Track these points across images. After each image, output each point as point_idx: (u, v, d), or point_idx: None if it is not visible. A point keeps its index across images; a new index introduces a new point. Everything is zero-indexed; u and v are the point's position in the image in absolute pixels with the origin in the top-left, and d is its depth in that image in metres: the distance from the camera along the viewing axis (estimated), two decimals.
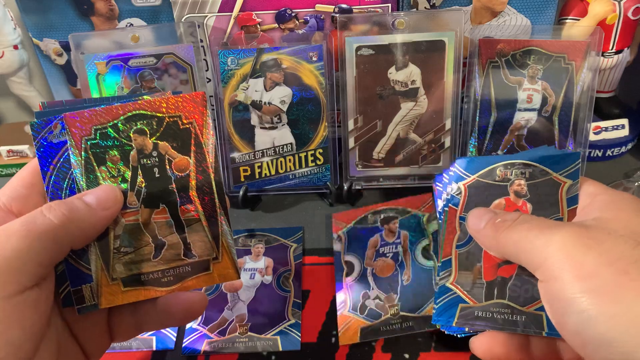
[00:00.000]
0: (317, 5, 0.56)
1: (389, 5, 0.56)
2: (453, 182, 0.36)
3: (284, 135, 0.57)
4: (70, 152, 0.32)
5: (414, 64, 0.55)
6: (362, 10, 0.56)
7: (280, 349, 0.46)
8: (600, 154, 0.63)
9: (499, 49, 0.54)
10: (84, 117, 0.32)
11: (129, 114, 0.32)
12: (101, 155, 0.32)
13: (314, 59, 0.55)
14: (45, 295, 0.28)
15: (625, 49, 0.61)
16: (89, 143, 0.32)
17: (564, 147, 0.55)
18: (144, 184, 0.32)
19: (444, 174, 0.37)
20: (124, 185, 0.32)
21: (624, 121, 0.63)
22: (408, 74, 0.55)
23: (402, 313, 0.46)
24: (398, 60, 0.55)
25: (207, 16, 0.57)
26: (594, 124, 0.62)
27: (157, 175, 0.32)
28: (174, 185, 0.33)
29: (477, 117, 0.56)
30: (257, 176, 0.59)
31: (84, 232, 0.29)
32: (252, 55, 0.55)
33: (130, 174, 0.32)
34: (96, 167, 0.32)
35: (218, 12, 0.57)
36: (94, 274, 0.32)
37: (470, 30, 0.57)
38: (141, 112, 0.32)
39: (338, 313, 0.48)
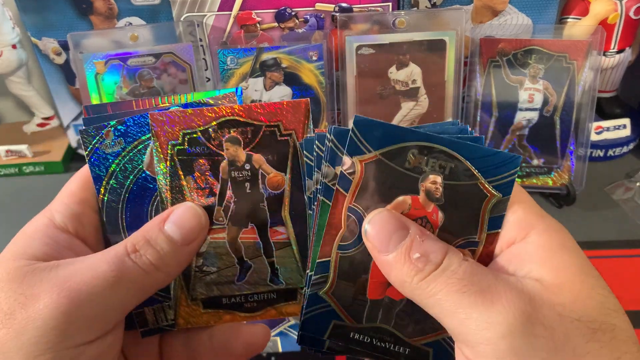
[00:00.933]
0: (317, 4, 0.56)
1: (390, 4, 0.56)
2: (345, 154, 0.26)
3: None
4: (155, 158, 0.28)
5: (414, 63, 0.54)
6: (363, 9, 0.56)
7: (280, 350, 0.45)
8: (601, 154, 0.63)
9: (500, 48, 0.54)
10: (172, 118, 0.28)
11: (222, 119, 0.28)
12: (188, 163, 0.28)
13: (314, 58, 0.55)
14: (118, 339, 0.27)
15: (627, 48, 0.61)
16: (175, 149, 0.28)
17: (566, 147, 0.55)
18: (233, 199, 0.29)
19: (329, 135, 0.26)
20: (211, 199, 0.29)
21: (626, 121, 0.63)
22: (409, 74, 0.55)
23: None
24: (399, 60, 0.54)
25: (206, 15, 0.57)
26: (595, 124, 0.62)
27: (248, 191, 0.29)
28: (265, 204, 0.29)
29: (478, 117, 0.56)
30: None
31: (171, 276, 0.27)
32: (251, 55, 0.55)
33: (219, 187, 0.29)
34: (182, 177, 0.28)
35: (217, 11, 0.56)
36: (172, 291, 0.29)
37: (471, 30, 0.56)
38: (236, 118, 0.28)
39: None
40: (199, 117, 0.28)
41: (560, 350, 0.21)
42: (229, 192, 0.29)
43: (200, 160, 0.28)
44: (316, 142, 0.27)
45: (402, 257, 0.24)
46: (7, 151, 0.66)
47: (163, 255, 0.26)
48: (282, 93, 0.56)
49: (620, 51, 0.60)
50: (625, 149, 0.64)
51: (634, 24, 0.59)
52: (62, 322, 0.23)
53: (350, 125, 0.26)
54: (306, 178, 0.28)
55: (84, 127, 0.29)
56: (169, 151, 0.28)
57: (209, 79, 0.60)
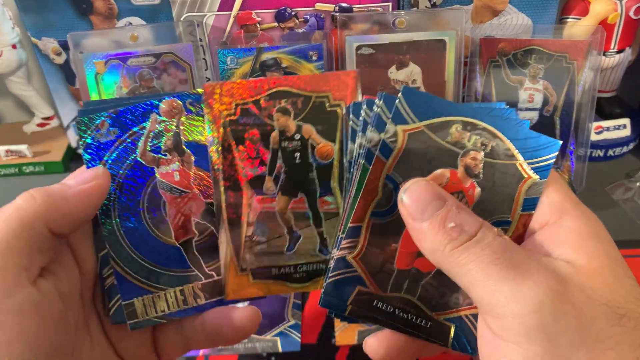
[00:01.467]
0: (317, 4, 0.56)
1: (390, 4, 0.56)
2: (390, 122, 0.26)
3: None
4: (207, 127, 0.29)
5: (414, 63, 0.54)
6: (363, 9, 0.56)
7: (280, 350, 0.45)
8: (601, 154, 0.63)
9: (500, 48, 0.54)
10: (224, 89, 0.29)
11: (273, 90, 0.29)
12: (240, 133, 0.29)
13: (314, 58, 0.55)
14: (48, 298, 0.25)
15: (627, 48, 0.61)
16: (228, 119, 0.29)
17: (566, 147, 0.55)
18: (283, 169, 0.29)
19: (378, 102, 0.26)
20: (261, 169, 0.29)
21: (626, 121, 0.63)
22: (409, 74, 0.55)
23: None
24: (399, 60, 0.54)
25: (206, 15, 0.57)
26: (595, 124, 0.62)
27: (297, 161, 0.29)
28: (314, 174, 0.30)
29: None
30: None
31: (59, 209, 0.26)
32: (251, 55, 0.55)
33: (269, 156, 0.29)
34: (234, 146, 0.29)
35: (217, 11, 0.56)
36: (222, 261, 0.29)
37: (471, 30, 0.56)
38: (286, 89, 0.29)
39: None
40: (250, 88, 0.29)
41: (586, 331, 0.22)
42: (279, 162, 0.29)
43: (252, 131, 0.29)
44: (364, 107, 0.27)
45: (436, 225, 0.24)
46: (7, 151, 0.66)
47: (46, 189, 0.26)
48: None
49: (620, 51, 0.60)
50: (625, 149, 0.64)
51: (634, 24, 0.59)
52: None
53: (399, 95, 0.26)
54: (349, 142, 0.28)
55: (79, 118, 0.30)
56: (221, 121, 0.29)
57: (209, 79, 0.60)
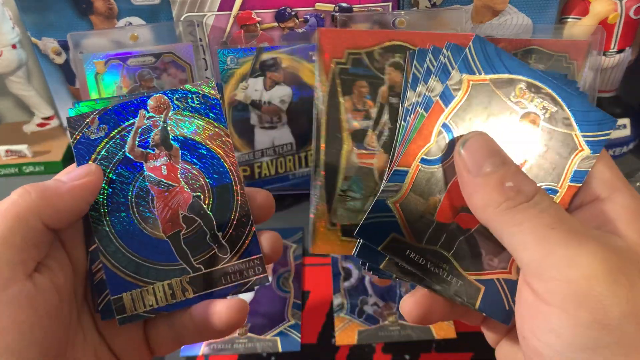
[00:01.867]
0: (317, 4, 0.56)
1: (390, 4, 0.56)
2: (456, 69, 0.26)
3: (283, 135, 0.57)
4: (317, 73, 0.29)
5: None
6: (363, 9, 0.56)
7: (280, 350, 0.45)
8: None
9: (500, 48, 0.54)
10: (339, 35, 0.28)
11: (389, 43, 0.28)
12: (349, 83, 0.28)
13: (314, 58, 0.55)
14: (44, 292, 0.25)
15: (627, 48, 0.60)
16: (338, 67, 0.28)
17: None
18: (387, 126, 0.28)
19: (445, 51, 0.26)
20: (365, 122, 0.28)
21: (626, 121, 0.63)
22: None
23: (400, 322, 0.46)
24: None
25: (206, 15, 0.57)
26: None
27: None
28: None
29: None
30: (256, 176, 0.58)
31: (52, 205, 0.26)
32: (251, 55, 0.55)
33: (376, 110, 0.28)
34: (340, 95, 0.28)
35: (217, 10, 0.56)
36: (312, 212, 0.28)
37: (472, 30, 0.56)
38: (402, 43, 0.29)
39: (335, 315, 0.48)
40: (366, 38, 0.28)
41: (637, 302, 0.21)
42: (384, 118, 0.28)
43: (361, 82, 0.28)
44: (430, 55, 0.27)
45: (493, 181, 0.24)
46: (7, 151, 0.66)
47: (40, 185, 0.27)
48: (282, 93, 0.56)
49: (620, 51, 0.60)
50: (625, 149, 0.64)
51: (634, 24, 0.59)
52: None
53: (470, 44, 0.26)
54: (408, 89, 0.27)
55: (70, 116, 0.30)
56: (331, 67, 0.28)
57: (209, 79, 0.60)
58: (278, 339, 0.46)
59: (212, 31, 0.57)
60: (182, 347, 0.45)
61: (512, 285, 0.27)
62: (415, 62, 0.27)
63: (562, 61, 0.54)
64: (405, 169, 0.26)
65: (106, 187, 0.30)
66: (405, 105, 0.27)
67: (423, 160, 0.26)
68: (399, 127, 0.27)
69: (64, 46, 0.59)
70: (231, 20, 0.57)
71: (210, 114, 0.31)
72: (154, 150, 0.31)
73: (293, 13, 0.56)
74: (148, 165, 0.31)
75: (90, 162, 0.30)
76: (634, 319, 0.21)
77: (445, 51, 0.26)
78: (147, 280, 0.30)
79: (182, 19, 0.57)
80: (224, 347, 0.46)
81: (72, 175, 0.28)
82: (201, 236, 0.31)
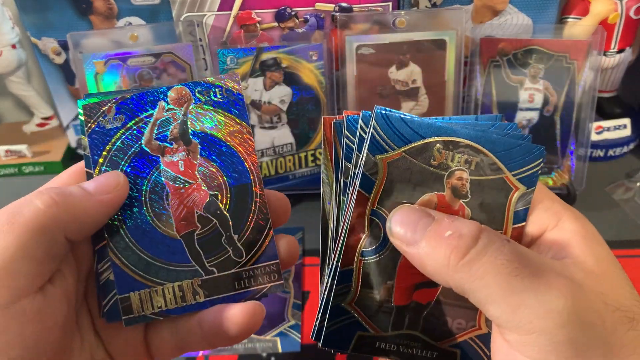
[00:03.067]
0: (317, 4, 0.56)
1: (390, 4, 0.56)
2: (367, 152, 0.24)
3: (283, 135, 0.57)
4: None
5: (414, 63, 0.54)
6: (363, 9, 0.56)
7: (280, 351, 0.45)
8: (602, 154, 0.63)
9: (500, 48, 0.54)
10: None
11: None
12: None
13: (314, 58, 0.55)
14: (54, 303, 0.24)
15: (627, 48, 0.60)
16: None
17: (566, 147, 0.55)
18: None
19: (362, 122, 0.25)
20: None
21: (626, 121, 0.63)
22: (409, 74, 0.55)
23: None
24: (399, 60, 0.54)
25: (206, 15, 0.56)
26: (595, 124, 0.62)
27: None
28: None
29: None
30: None
31: (78, 219, 0.25)
32: (251, 55, 0.55)
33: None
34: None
35: (217, 10, 0.56)
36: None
37: (472, 30, 0.56)
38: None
39: None
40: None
41: (611, 340, 0.21)
42: None
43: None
44: (361, 122, 0.26)
45: (433, 240, 0.23)
46: (6, 151, 0.66)
47: (68, 195, 0.25)
48: (282, 93, 0.56)
49: (620, 51, 0.60)
50: (625, 149, 0.64)
51: (634, 24, 0.59)
52: None
53: (371, 122, 0.25)
54: (343, 161, 0.26)
55: (85, 103, 0.29)
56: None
57: None
58: (278, 339, 0.46)
59: (212, 31, 0.57)
60: None
61: (486, 339, 0.27)
62: (346, 131, 0.26)
63: (562, 61, 0.54)
64: (350, 268, 0.25)
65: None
66: (343, 179, 0.26)
67: (364, 254, 0.25)
68: (339, 202, 0.26)
69: (64, 46, 0.59)
70: (231, 20, 0.57)
71: (233, 110, 0.29)
72: (171, 144, 0.29)
73: (293, 13, 0.56)
74: (165, 159, 0.29)
75: (104, 152, 0.28)
76: (612, 357, 0.21)
77: (372, 121, 0.25)
78: (157, 280, 0.28)
79: (182, 19, 0.57)
80: (224, 348, 0.46)
81: (100, 187, 0.27)
82: (216, 237, 0.29)
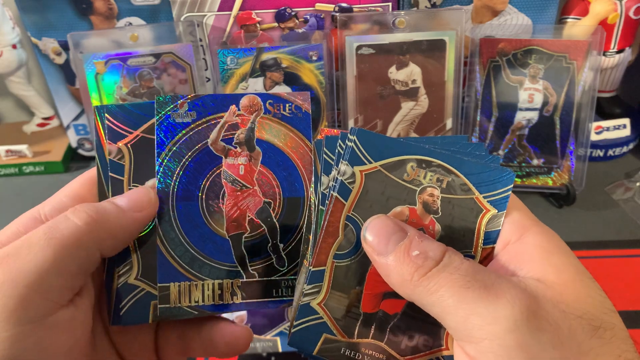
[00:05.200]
0: (317, 4, 0.56)
1: (390, 4, 0.56)
2: (346, 163, 0.26)
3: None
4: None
5: (414, 63, 0.54)
6: (363, 9, 0.56)
7: (280, 350, 0.45)
8: (601, 154, 0.63)
9: (500, 48, 0.54)
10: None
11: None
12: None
13: (314, 58, 0.55)
14: (82, 314, 0.25)
15: (627, 48, 0.61)
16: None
17: (566, 147, 0.55)
18: None
19: (350, 135, 0.27)
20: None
21: (626, 121, 0.63)
22: (409, 74, 0.55)
23: None
24: (399, 60, 0.54)
25: (206, 15, 0.57)
26: (595, 124, 0.62)
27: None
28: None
29: (478, 117, 0.56)
30: None
31: (114, 236, 0.26)
32: (251, 55, 0.55)
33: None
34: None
35: (217, 11, 0.56)
36: None
37: (471, 30, 0.56)
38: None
39: None
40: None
41: (566, 345, 0.21)
42: None
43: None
44: (339, 141, 0.27)
45: (401, 255, 0.24)
46: (7, 151, 0.66)
47: (104, 212, 0.26)
48: None
49: (620, 51, 0.60)
50: (625, 149, 0.64)
51: (634, 24, 0.59)
52: (19, 295, 0.22)
53: (353, 137, 0.26)
54: (321, 174, 0.28)
55: (158, 97, 0.30)
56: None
57: (209, 79, 0.60)
58: (278, 339, 0.46)
59: (212, 31, 0.57)
60: None
61: None
62: (325, 148, 0.28)
63: (562, 61, 0.54)
64: (321, 268, 0.26)
65: (179, 172, 0.29)
66: (322, 190, 0.27)
67: (336, 256, 0.26)
68: (318, 212, 0.28)
69: (64, 46, 0.60)
70: (231, 20, 0.57)
71: (300, 126, 0.31)
72: (236, 147, 0.30)
73: (293, 13, 0.56)
74: (227, 161, 0.30)
75: (170, 144, 0.29)
76: None
77: (350, 136, 0.27)
78: (199, 275, 0.29)
79: (182, 19, 0.57)
80: None
81: (133, 204, 0.27)
82: (262, 243, 0.30)
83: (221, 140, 0.30)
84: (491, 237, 0.26)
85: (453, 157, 0.26)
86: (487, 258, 0.26)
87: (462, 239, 0.26)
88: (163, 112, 0.30)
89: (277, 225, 0.30)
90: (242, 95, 0.30)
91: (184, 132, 0.30)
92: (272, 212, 0.30)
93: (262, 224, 0.30)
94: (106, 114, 0.30)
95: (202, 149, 0.30)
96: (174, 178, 0.29)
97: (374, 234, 0.25)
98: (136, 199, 0.28)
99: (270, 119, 0.31)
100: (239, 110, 0.30)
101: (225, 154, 0.30)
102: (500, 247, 0.26)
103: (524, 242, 0.25)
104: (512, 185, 0.26)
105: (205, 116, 0.30)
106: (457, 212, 0.26)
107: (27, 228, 0.26)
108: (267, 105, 0.31)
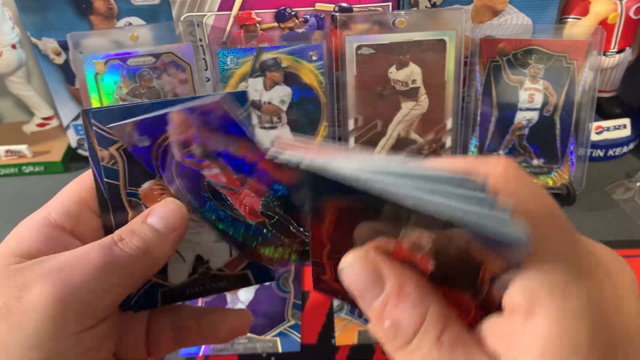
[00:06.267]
0: (317, 4, 0.56)
1: (390, 4, 0.56)
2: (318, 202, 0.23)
3: (283, 135, 0.57)
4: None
5: (414, 63, 0.54)
6: (363, 9, 0.56)
7: (280, 351, 0.45)
8: (602, 154, 0.63)
9: (500, 48, 0.54)
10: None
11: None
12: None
13: (314, 58, 0.55)
14: (114, 327, 0.27)
15: (627, 48, 0.61)
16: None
17: (566, 147, 0.55)
18: None
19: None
20: None
21: (626, 121, 0.63)
22: (409, 74, 0.55)
23: None
24: (399, 60, 0.54)
25: (206, 15, 0.57)
26: (595, 124, 0.62)
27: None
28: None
29: (479, 117, 0.56)
30: None
31: (158, 263, 0.28)
32: (251, 55, 0.55)
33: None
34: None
35: (217, 11, 0.56)
36: None
37: (471, 30, 0.56)
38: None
39: (335, 315, 0.48)
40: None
41: None
42: None
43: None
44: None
45: (374, 320, 0.21)
46: (6, 151, 0.66)
47: (148, 241, 0.27)
48: (282, 93, 0.56)
49: (620, 51, 0.60)
50: (625, 149, 0.64)
51: (634, 24, 0.59)
52: (57, 310, 0.23)
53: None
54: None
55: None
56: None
57: (209, 79, 0.60)
58: (278, 339, 0.46)
59: (212, 31, 0.57)
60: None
61: None
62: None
63: (562, 61, 0.54)
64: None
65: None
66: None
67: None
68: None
69: (64, 46, 0.59)
70: (231, 20, 0.57)
71: (238, 131, 0.30)
72: (203, 161, 0.29)
73: (293, 13, 0.56)
74: (205, 172, 0.29)
75: (160, 171, 0.29)
76: None
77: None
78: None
79: (182, 19, 0.57)
80: (224, 347, 0.46)
81: (168, 223, 0.28)
82: (284, 225, 0.31)
83: (183, 156, 0.29)
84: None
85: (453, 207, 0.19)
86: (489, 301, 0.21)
87: (463, 278, 0.21)
88: (120, 146, 0.28)
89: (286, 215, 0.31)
90: (166, 112, 0.28)
91: (154, 155, 0.29)
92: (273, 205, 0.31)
93: (274, 215, 0.31)
94: (92, 120, 0.28)
95: (180, 166, 0.29)
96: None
97: (349, 280, 0.22)
98: (170, 217, 0.28)
99: (210, 131, 0.29)
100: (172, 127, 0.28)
101: (200, 168, 0.29)
102: (507, 308, 0.20)
103: (532, 325, 0.19)
104: (526, 247, 0.19)
105: (157, 138, 0.28)
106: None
107: (41, 234, 0.27)
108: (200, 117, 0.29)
